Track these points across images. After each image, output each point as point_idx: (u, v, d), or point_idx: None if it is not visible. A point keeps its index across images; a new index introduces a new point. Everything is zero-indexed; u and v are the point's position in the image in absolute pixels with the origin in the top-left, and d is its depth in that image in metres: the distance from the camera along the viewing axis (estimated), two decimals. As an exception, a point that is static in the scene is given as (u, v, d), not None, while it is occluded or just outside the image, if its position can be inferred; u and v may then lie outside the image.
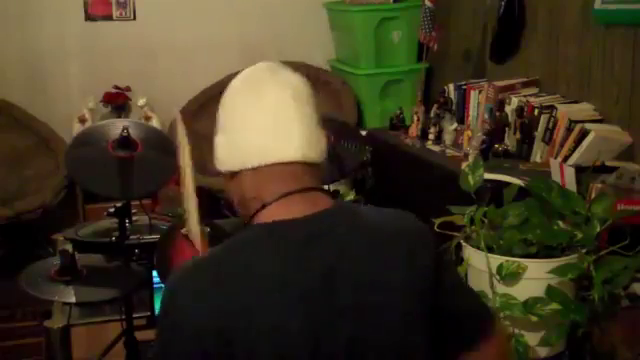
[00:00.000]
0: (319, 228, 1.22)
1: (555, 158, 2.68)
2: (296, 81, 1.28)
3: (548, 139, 2.91)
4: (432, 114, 3.59)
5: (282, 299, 1.16)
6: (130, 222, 2.48)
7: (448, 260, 1.42)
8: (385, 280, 1.21)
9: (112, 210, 2.41)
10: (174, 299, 1.18)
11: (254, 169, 1.24)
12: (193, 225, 1.94)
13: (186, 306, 1.16)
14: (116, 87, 4.37)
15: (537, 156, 2.96)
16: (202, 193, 4.03)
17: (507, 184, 2.20)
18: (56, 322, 2.51)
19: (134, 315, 2.43)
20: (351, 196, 2.87)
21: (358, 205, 1.34)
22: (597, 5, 2.86)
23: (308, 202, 1.24)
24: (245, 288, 1.16)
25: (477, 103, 3.43)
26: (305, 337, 1.16)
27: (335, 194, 2.56)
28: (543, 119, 2.94)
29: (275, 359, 1.15)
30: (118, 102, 4.35)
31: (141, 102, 4.33)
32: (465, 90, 3.54)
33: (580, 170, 2.21)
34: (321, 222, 1.22)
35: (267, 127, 1.24)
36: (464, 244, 1.75)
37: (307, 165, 1.25)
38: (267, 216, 1.23)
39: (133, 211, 2.51)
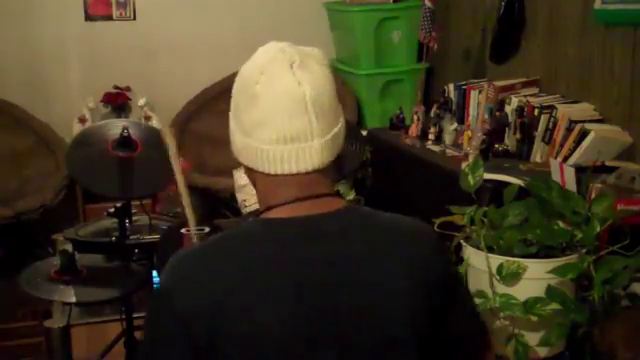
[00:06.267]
0: (322, 227, 1.21)
1: (555, 158, 2.68)
2: (321, 80, 1.23)
3: (548, 139, 2.91)
4: (432, 114, 3.59)
5: (268, 286, 1.15)
6: (130, 222, 2.48)
7: (457, 272, 1.40)
8: (386, 285, 1.20)
9: (112, 210, 2.41)
10: (164, 284, 1.20)
11: (268, 174, 1.22)
12: (191, 224, 1.98)
13: (174, 290, 1.17)
14: (116, 87, 4.37)
15: (537, 156, 2.96)
16: (202, 193, 4.03)
17: (507, 184, 2.20)
18: (56, 322, 2.51)
19: (134, 315, 2.44)
20: (351, 196, 2.87)
21: (372, 210, 1.30)
22: (597, 5, 2.86)
23: (315, 206, 1.22)
24: (231, 274, 1.16)
25: (477, 103, 3.43)
26: (286, 329, 1.15)
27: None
28: (543, 119, 2.94)
29: (250, 347, 1.14)
30: (118, 102, 4.36)
31: (141, 102, 4.34)
32: (465, 90, 3.54)
33: (580, 170, 2.21)
34: (325, 221, 1.21)
35: (285, 138, 1.19)
36: (464, 244, 1.75)
37: (323, 170, 1.23)
38: (272, 213, 1.22)
39: (133, 211, 2.52)
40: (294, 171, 1.21)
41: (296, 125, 1.19)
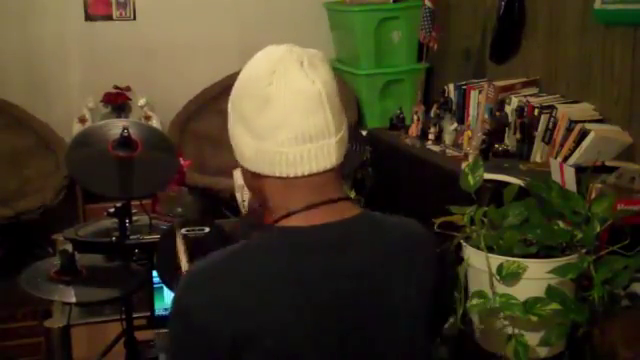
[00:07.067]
0: (338, 236, 1.20)
1: (555, 158, 2.68)
2: (328, 79, 1.21)
3: (548, 139, 2.91)
4: (432, 114, 3.59)
5: (289, 301, 1.14)
6: (130, 222, 2.48)
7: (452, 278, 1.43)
8: (400, 293, 1.21)
9: (112, 210, 2.41)
10: (180, 300, 1.18)
11: (287, 177, 1.20)
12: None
13: (190, 307, 1.15)
14: (116, 87, 4.37)
15: (537, 156, 2.96)
16: (202, 193, 4.03)
17: (507, 184, 2.19)
18: (56, 322, 2.51)
19: (134, 315, 2.43)
20: (351, 196, 2.87)
21: (385, 215, 1.30)
22: (597, 5, 2.86)
23: (333, 212, 1.21)
24: (253, 289, 1.14)
25: (477, 103, 3.43)
26: (309, 341, 1.15)
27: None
28: (543, 119, 2.94)
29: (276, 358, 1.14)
30: (118, 102, 4.36)
31: (141, 102, 4.34)
32: (465, 90, 3.54)
33: (580, 170, 2.21)
34: (341, 230, 1.20)
35: (304, 136, 1.17)
36: (464, 244, 1.75)
37: (336, 169, 1.23)
38: (288, 222, 1.21)
39: (133, 211, 2.52)
40: (314, 170, 1.19)
41: (314, 123, 1.18)
